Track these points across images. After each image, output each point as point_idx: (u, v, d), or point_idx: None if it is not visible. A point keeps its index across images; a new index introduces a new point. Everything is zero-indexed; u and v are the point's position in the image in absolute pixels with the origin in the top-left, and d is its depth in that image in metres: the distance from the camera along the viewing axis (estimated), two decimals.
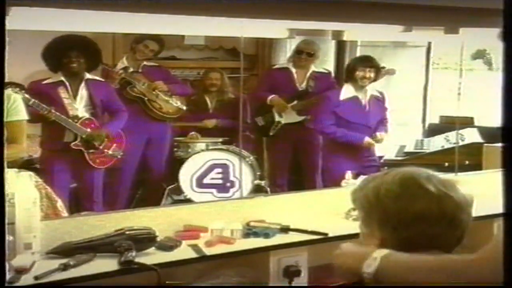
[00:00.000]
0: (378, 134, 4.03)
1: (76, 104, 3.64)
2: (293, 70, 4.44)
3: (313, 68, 4.46)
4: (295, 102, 4.41)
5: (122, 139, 3.85)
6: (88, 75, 3.70)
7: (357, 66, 4.01)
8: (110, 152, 3.75)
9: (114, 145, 3.78)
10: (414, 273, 1.19)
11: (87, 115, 3.67)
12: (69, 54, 3.57)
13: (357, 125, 4.02)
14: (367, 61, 4.04)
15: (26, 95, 3.33)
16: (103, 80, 3.87)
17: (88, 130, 3.63)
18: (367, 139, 3.98)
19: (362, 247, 1.29)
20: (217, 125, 4.50)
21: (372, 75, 4.00)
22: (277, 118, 4.43)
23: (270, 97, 4.41)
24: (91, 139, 3.63)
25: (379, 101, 4.13)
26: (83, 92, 3.67)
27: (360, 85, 4.00)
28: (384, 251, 1.23)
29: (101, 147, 3.71)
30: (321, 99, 4.17)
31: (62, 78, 3.62)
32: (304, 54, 4.39)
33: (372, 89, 4.08)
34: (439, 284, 1.16)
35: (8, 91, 2.73)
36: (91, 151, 3.67)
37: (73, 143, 3.62)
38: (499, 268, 1.06)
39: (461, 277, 1.13)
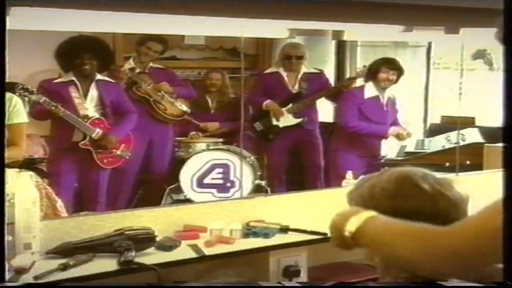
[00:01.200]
0: (405, 132, 4.17)
1: (86, 104, 3.65)
2: (284, 74, 4.44)
3: (303, 69, 4.46)
4: (290, 105, 4.41)
5: (130, 140, 3.85)
6: (98, 76, 3.71)
7: (381, 68, 4.10)
8: (118, 152, 3.75)
9: (123, 145, 3.78)
10: (391, 235, 1.16)
11: (97, 115, 3.68)
12: (82, 55, 3.58)
13: (378, 123, 4.14)
14: (391, 64, 4.13)
15: (38, 93, 3.35)
16: (113, 81, 3.88)
17: (97, 130, 3.64)
18: (392, 129, 4.10)
19: (355, 208, 1.27)
20: (219, 129, 4.51)
21: (395, 77, 4.10)
22: (274, 122, 4.44)
23: (265, 103, 4.41)
24: (102, 146, 3.65)
25: (393, 103, 4.23)
26: (93, 92, 3.68)
27: (382, 86, 4.09)
28: (372, 213, 1.21)
29: (109, 147, 3.72)
30: (345, 96, 4.26)
31: (73, 78, 3.63)
32: (293, 58, 4.39)
33: (389, 91, 4.18)
34: (418, 253, 1.10)
35: (9, 94, 2.76)
36: (99, 150, 3.68)
37: (82, 142, 3.62)
38: (481, 242, 1.03)
39: (440, 246, 1.07)
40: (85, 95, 3.66)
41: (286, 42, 4.42)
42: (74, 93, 3.61)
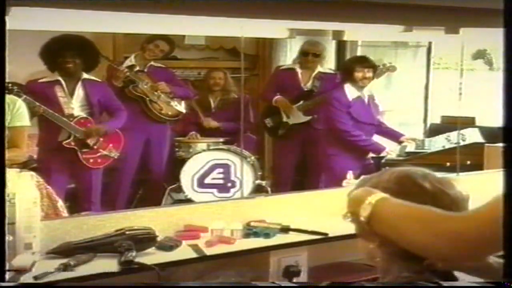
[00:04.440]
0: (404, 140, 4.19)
1: (72, 103, 3.65)
2: (299, 70, 4.46)
3: (319, 68, 4.46)
4: (301, 102, 4.41)
5: (120, 140, 3.85)
6: (85, 75, 3.71)
7: (355, 67, 4.03)
8: (105, 152, 3.75)
9: (111, 145, 3.78)
10: (405, 219, 1.16)
11: (83, 115, 3.68)
12: (64, 54, 3.59)
13: (366, 125, 4.09)
14: (365, 62, 4.08)
15: (18, 92, 3.35)
16: (100, 80, 3.88)
17: (84, 129, 3.64)
18: (387, 151, 4.06)
19: (366, 191, 1.27)
20: (219, 128, 4.51)
21: (371, 74, 4.04)
22: (284, 119, 4.44)
23: (275, 98, 4.42)
24: (89, 133, 3.63)
25: (373, 99, 4.19)
26: (79, 91, 3.69)
27: (360, 85, 4.04)
28: (381, 195, 1.22)
29: (95, 146, 3.70)
30: (330, 101, 4.14)
31: (59, 78, 3.64)
32: (310, 55, 4.40)
33: (367, 88, 4.13)
34: (429, 236, 1.11)
35: (14, 97, 2.80)
36: (84, 150, 3.67)
37: (65, 141, 3.62)
38: (492, 229, 1.03)
39: (452, 231, 1.09)
40: (71, 94, 3.66)
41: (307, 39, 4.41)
42: (59, 93, 3.62)
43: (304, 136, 4.46)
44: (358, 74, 4.00)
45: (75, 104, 3.66)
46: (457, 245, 1.08)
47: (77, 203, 3.71)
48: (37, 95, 3.51)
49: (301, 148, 4.51)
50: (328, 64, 4.89)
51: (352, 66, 4.07)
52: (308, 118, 4.42)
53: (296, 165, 4.55)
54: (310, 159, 4.50)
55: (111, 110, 3.85)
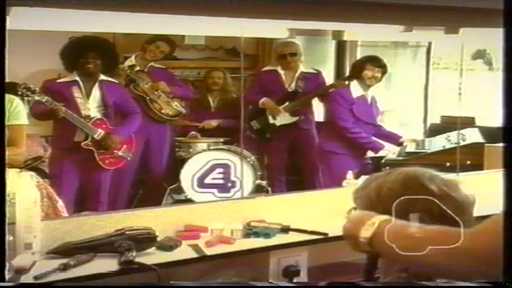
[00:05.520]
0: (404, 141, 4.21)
1: (88, 104, 3.67)
2: (281, 72, 4.46)
3: (301, 68, 4.46)
4: (286, 103, 4.42)
5: (132, 141, 3.86)
6: (102, 76, 3.72)
7: (365, 65, 4.06)
8: (120, 153, 3.76)
9: (124, 146, 3.79)
10: (410, 239, 1.14)
11: (99, 116, 3.69)
12: (86, 55, 3.61)
13: (366, 124, 4.10)
14: (376, 61, 4.10)
15: (40, 93, 3.38)
16: (117, 82, 3.90)
17: (100, 130, 3.65)
18: (386, 149, 4.09)
19: (366, 213, 1.25)
20: (220, 126, 4.52)
21: (379, 75, 4.06)
22: (271, 120, 4.44)
23: (261, 100, 4.42)
24: (104, 144, 3.65)
25: (376, 101, 4.21)
26: (96, 92, 3.70)
27: (368, 84, 4.06)
28: (384, 217, 1.21)
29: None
30: (334, 97, 4.19)
31: (77, 78, 3.65)
32: (288, 56, 4.40)
33: (372, 89, 4.14)
34: (434, 256, 1.10)
35: (10, 96, 2.79)
36: (101, 151, 3.68)
37: (84, 142, 3.63)
38: (499, 243, 1.02)
39: (460, 248, 1.08)
40: (88, 95, 3.68)
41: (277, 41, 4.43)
42: (76, 93, 3.63)
43: (292, 137, 4.47)
44: (368, 73, 4.04)
45: (91, 105, 3.67)
46: (471, 262, 1.07)
47: (85, 203, 3.72)
48: (54, 95, 3.53)
49: (290, 149, 4.52)
50: (327, 64, 4.90)
51: (363, 64, 4.09)
52: (295, 119, 4.42)
53: (287, 166, 4.55)
54: (302, 158, 4.50)
55: (126, 112, 3.86)
